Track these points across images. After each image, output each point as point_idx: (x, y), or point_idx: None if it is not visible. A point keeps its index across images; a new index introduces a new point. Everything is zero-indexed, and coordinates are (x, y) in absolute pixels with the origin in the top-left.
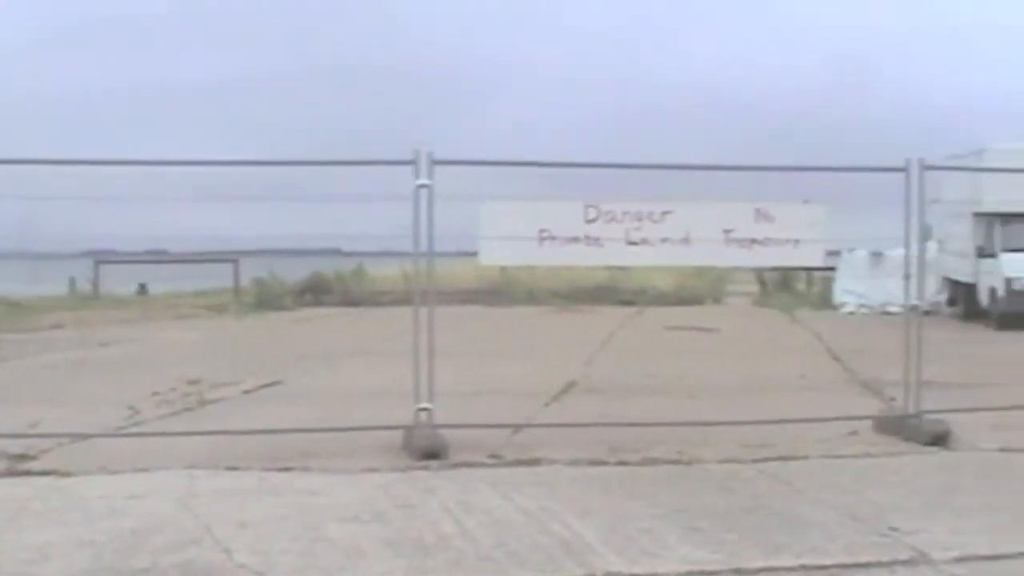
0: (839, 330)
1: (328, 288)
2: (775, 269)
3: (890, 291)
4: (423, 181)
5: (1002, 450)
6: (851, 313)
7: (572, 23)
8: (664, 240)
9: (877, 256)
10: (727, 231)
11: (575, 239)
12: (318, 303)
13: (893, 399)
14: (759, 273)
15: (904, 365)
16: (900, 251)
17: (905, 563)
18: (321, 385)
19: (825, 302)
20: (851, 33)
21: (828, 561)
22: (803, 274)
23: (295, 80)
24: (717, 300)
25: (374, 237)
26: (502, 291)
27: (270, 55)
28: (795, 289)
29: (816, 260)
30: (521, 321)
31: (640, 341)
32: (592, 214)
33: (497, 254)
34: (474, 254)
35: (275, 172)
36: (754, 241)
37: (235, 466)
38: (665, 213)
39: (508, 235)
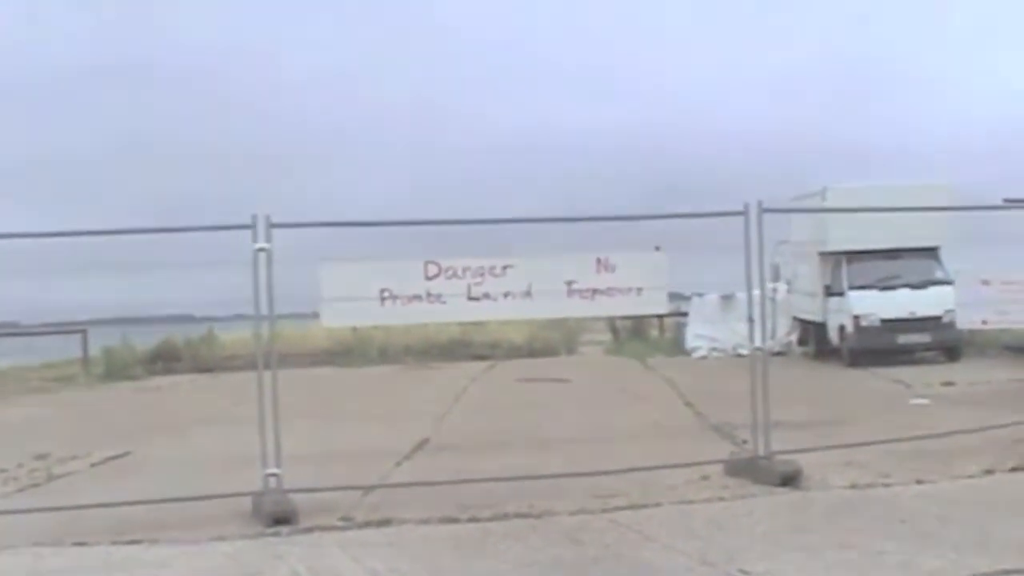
0: (691, 375)
1: (178, 355)
2: (625, 317)
3: (741, 333)
4: (261, 245)
5: (852, 487)
6: (703, 357)
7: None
8: (506, 294)
9: (727, 299)
10: (569, 282)
11: (417, 297)
12: (169, 371)
13: (744, 441)
14: (611, 322)
15: (752, 407)
16: (745, 293)
17: None
18: (170, 455)
19: (678, 347)
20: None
21: None
22: (655, 321)
23: (128, 152)
24: (571, 350)
25: (225, 302)
26: (354, 351)
27: (106, 126)
28: (648, 336)
29: (659, 307)
30: (373, 381)
31: (493, 395)
32: (433, 271)
33: (339, 315)
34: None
35: (121, 241)
36: (596, 291)
37: (82, 542)
38: (506, 267)
39: (349, 296)
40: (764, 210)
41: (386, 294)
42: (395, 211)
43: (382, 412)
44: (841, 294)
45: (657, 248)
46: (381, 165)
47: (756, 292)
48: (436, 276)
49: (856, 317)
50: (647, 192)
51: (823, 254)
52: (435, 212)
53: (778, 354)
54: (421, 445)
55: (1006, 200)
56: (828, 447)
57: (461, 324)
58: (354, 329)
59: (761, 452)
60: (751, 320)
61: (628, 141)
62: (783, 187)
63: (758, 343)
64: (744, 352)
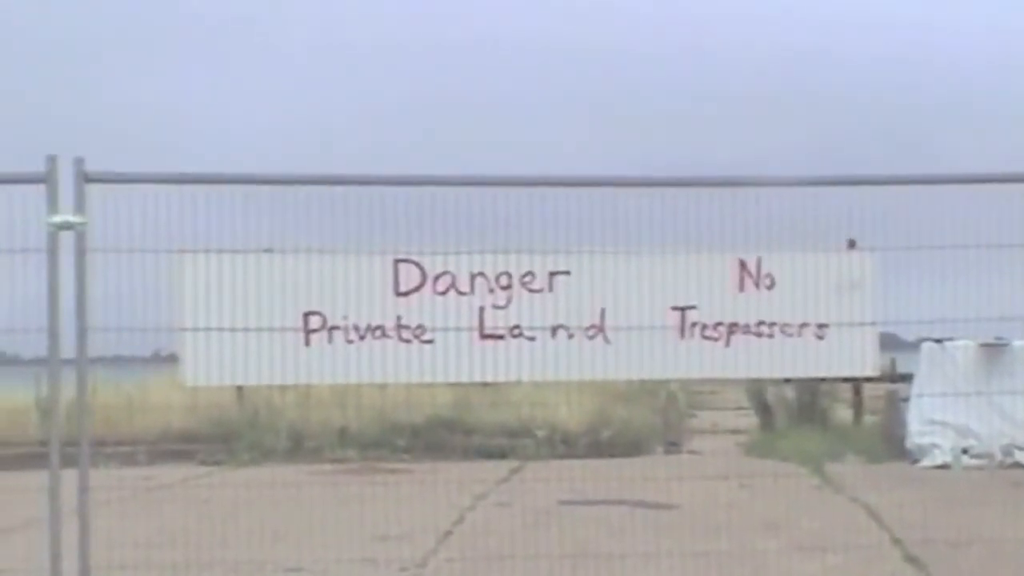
0: (917, 502)
1: None
2: (787, 381)
3: (1021, 421)
4: (64, 218)
5: None
6: (943, 466)
7: None
8: (554, 330)
9: (995, 351)
10: (681, 309)
11: (376, 330)
12: None
13: None
14: (758, 389)
15: None
16: None
17: None
18: None
19: (890, 444)
20: None
21: None
22: (847, 389)
23: None
24: (674, 445)
25: None
26: (241, 435)
27: None
28: (830, 418)
29: (862, 364)
30: (280, 496)
31: (515, 532)
32: (411, 279)
33: (213, 365)
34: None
35: None
36: (734, 327)
37: None
38: (555, 275)
39: (236, 324)
40: None
41: (315, 323)
42: (336, 161)
43: (297, 562)
44: None
45: (852, 243)
46: (316, 77)
47: None
48: (416, 289)
49: None
50: (803, 139)
51: None
52: (414, 164)
53: None
54: None
55: None
56: None
57: (458, 386)
58: (240, 391)
59: None
60: None
61: (775, 50)
62: None
63: None
64: None
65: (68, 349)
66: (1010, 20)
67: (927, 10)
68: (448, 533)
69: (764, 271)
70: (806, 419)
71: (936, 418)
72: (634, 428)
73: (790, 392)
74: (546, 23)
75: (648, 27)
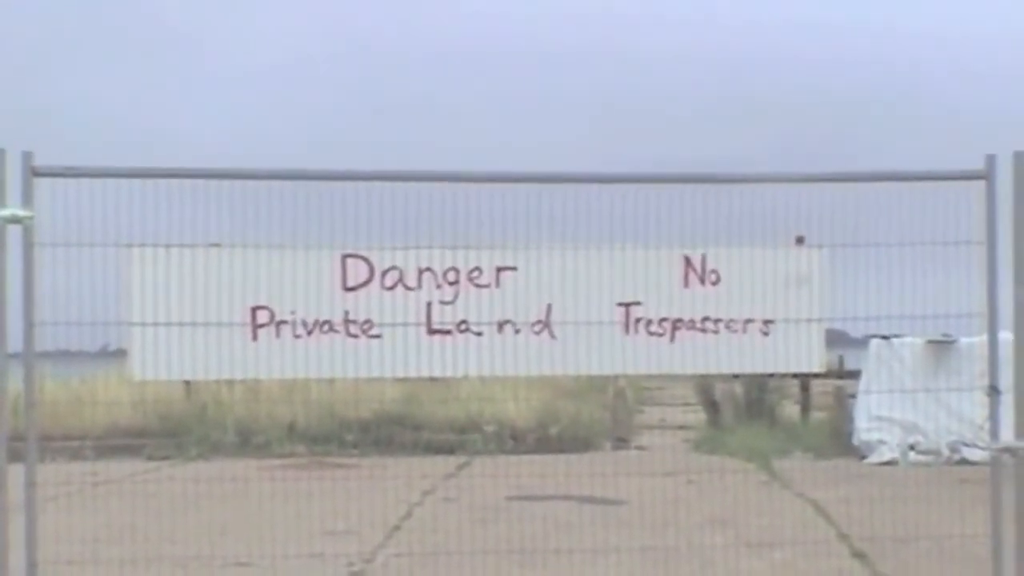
0: (864, 498)
1: None
2: (735, 377)
3: (969, 419)
4: (11, 211)
5: None
6: (890, 463)
7: None
8: (501, 325)
9: (943, 347)
10: (626, 304)
11: (324, 324)
12: None
13: None
14: (705, 385)
15: (994, 569)
16: (983, 337)
17: None
18: None
19: (837, 440)
20: None
21: None
22: (791, 384)
23: None
24: (622, 440)
25: None
26: (189, 430)
27: None
28: (777, 415)
29: (809, 360)
30: (227, 490)
31: (461, 529)
32: (358, 274)
33: (161, 360)
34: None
35: None
36: (679, 323)
37: None
38: (502, 270)
39: (184, 319)
40: None
41: (263, 318)
42: (285, 156)
43: (245, 557)
44: None
45: (800, 240)
46: (265, 75)
47: (1005, 336)
48: (364, 284)
49: None
50: (757, 139)
51: None
52: (361, 160)
53: None
54: None
55: None
56: None
57: (406, 381)
58: (188, 386)
59: None
60: (993, 392)
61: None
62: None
63: (1007, 439)
64: (975, 456)
65: (15, 343)
66: (965, 29)
67: (889, 16)
68: (396, 528)
69: (709, 267)
70: (754, 415)
71: (883, 414)
72: (582, 424)
73: (738, 388)
74: (501, 25)
75: (596, 28)
